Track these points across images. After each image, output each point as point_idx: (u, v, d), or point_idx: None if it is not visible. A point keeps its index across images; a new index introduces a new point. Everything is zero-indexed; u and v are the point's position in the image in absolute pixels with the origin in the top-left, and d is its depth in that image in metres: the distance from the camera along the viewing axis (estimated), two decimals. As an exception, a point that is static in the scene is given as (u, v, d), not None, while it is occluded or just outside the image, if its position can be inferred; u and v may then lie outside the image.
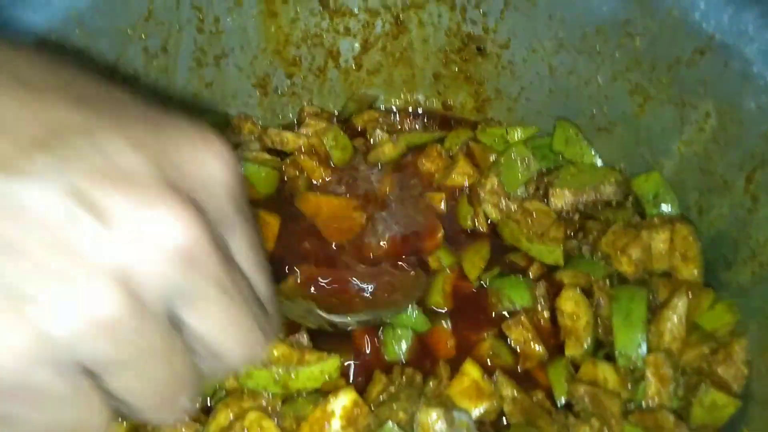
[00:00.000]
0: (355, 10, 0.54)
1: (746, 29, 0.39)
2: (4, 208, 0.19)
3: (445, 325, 0.49)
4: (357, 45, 0.57)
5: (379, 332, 0.49)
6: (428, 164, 0.57)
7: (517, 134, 0.57)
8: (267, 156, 0.56)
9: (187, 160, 0.22)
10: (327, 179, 0.57)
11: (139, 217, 0.20)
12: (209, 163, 0.23)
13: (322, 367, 0.44)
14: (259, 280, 0.27)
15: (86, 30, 0.43)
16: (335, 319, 0.47)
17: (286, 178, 0.56)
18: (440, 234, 0.54)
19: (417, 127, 0.61)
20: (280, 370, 0.43)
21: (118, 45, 0.46)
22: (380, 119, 0.60)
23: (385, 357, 0.48)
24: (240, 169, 0.25)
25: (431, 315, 0.50)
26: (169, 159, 0.22)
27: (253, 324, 0.26)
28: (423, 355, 0.49)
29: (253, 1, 0.51)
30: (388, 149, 0.58)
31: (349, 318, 0.47)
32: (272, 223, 0.54)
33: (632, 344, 0.44)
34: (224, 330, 0.24)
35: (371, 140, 0.59)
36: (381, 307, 0.49)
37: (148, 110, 0.24)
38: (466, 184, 0.56)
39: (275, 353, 0.44)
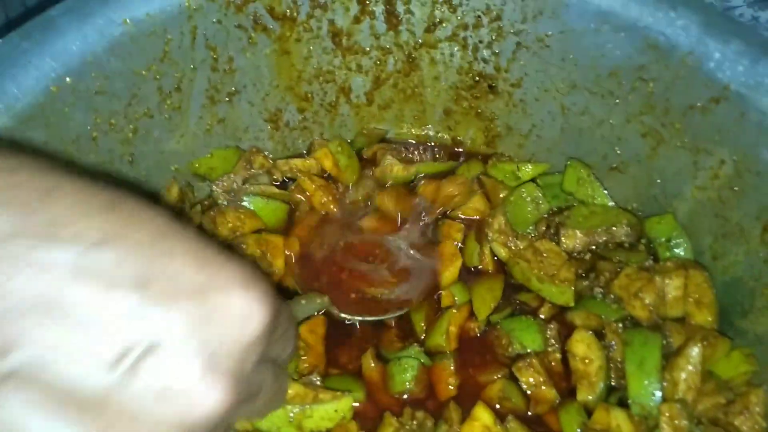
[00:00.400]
0: (368, 48, 0.55)
1: (762, 80, 0.39)
2: (94, 404, 0.23)
3: (448, 364, 0.49)
4: (369, 81, 0.57)
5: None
6: (452, 188, 0.57)
7: (528, 170, 0.57)
8: (276, 190, 0.56)
9: (229, 331, 0.25)
10: (332, 202, 0.57)
11: (188, 395, 0.24)
12: (249, 327, 0.26)
13: (336, 406, 0.44)
14: (286, 355, 0.32)
15: (102, 73, 0.43)
16: (347, 316, 0.49)
17: (292, 204, 0.56)
18: (458, 262, 0.53)
19: (427, 157, 0.61)
20: (295, 409, 0.43)
21: (132, 85, 0.46)
22: (390, 150, 0.60)
23: (392, 390, 0.48)
24: (275, 305, 0.27)
25: (434, 354, 0.50)
26: (215, 337, 0.25)
27: (276, 401, 0.32)
28: (431, 392, 0.49)
29: (266, 40, 0.51)
30: (397, 169, 0.57)
31: (360, 317, 0.49)
32: (277, 242, 0.54)
33: (646, 392, 0.43)
34: (255, 414, 0.31)
35: (380, 165, 0.59)
36: (391, 309, 0.51)
37: (197, 261, 0.25)
38: (477, 219, 0.56)
39: (289, 392, 0.44)
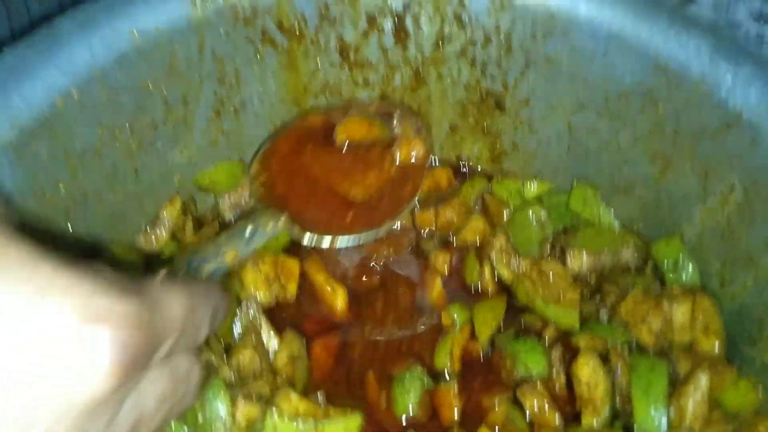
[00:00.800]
0: (375, 63, 0.54)
1: (775, 107, 0.39)
2: None
3: (451, 386, 0.48)
4: (375, 96, 0.57)
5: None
6: (450, 214, 0.57)
7: (533, 188, 0.57)
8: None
9: (61, 393, 0.18)
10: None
11: None
12: (91, 384, 0.18)
13: (346, 424, 0.43)
14: (194, 342, 0.25)
15: (108, 85, 0.42)
16: (307, 237, 0.40)
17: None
18: (438, 278, 0.52)
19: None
20: (307, 424, 0.42)
21: (138, 98, 0.45)
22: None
23: (394, 412, 0.48)
24: (146, 332, 0.19)
25: (438, 376, 0.49)
26: (38, 406, 0.18)
27: (185, 401, 0.25)
28: (434, 414, 0.48)
29: (274, 53, 0.51)
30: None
31: (325, 237, 0.41)
32: (293, 267, 0.53)
33: (652, 419, 0.42)
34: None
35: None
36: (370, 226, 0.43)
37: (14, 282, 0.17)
38: (477, 240, 0.56)
39: (300, 409, 0.43)
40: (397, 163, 0.52)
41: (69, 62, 0.40)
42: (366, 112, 0.53)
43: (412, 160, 0.52)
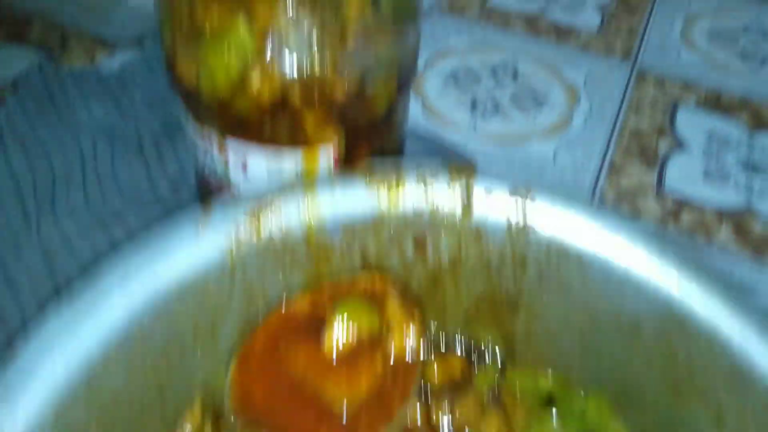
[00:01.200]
0: (394, 272, 0.56)
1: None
2: None
3: None
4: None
5: None
6: (465, 408, 0.57)
7: (547, 380, 0.58)
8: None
9: None
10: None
11: None
12: None
13: None
14: None
15: (143, 330, 0.44)
16: None
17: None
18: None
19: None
20: None
21: (170, 334, 0.47)
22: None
23: None
24: None
25: None
26: None
27: None
28: None
29: (300, 271, 0.53)
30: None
31: None
32: None
33: None
34: None
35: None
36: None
37: None
38: (495, 436, 0.56)
39: None
40: (391, 359, 0.49)
41: (108, 317, 0.41)
42: (354, 299, 0.51)
43: (407, 351, 0.50)
